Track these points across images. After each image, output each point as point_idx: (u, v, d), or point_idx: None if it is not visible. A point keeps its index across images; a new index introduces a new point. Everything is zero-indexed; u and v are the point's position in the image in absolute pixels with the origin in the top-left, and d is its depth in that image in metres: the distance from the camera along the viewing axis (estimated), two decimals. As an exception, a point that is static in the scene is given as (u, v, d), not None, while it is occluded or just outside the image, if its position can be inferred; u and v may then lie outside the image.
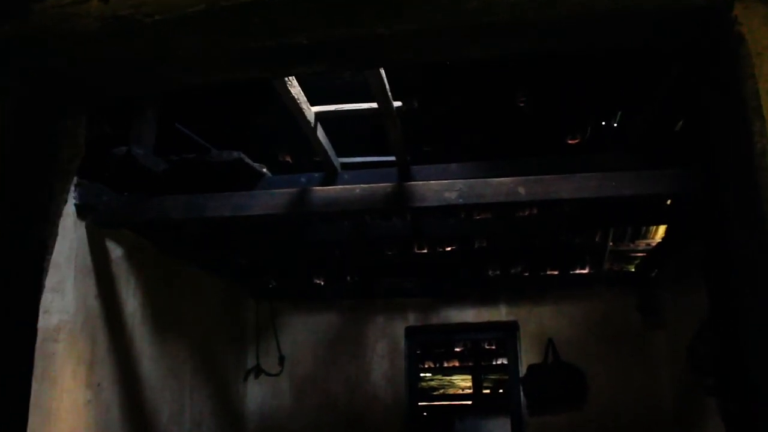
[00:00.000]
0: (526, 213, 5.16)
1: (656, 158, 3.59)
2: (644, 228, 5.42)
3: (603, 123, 4.64)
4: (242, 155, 3.68)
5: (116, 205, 3.58)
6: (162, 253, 4.32)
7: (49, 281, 3.14)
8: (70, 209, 3.33)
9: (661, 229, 5.34)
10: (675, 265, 5.27)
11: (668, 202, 4.64)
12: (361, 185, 3.55)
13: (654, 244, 5.45)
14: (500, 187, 3.40)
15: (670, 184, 3.29)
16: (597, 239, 5.59)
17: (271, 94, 3.20)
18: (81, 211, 3.42)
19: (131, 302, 3.91)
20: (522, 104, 4.63)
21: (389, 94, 2.98)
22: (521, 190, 3.38)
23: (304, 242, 5.02)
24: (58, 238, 3.20)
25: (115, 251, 3.78)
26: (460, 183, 3.45)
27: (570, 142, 4.81)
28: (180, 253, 4.54)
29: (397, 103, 3.15)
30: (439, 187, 3.46)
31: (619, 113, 4.52)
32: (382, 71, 2.78)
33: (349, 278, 6.23)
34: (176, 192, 3.63)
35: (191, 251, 4.63)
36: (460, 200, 3.42)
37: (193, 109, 4.18)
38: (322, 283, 6.26)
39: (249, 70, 1.64)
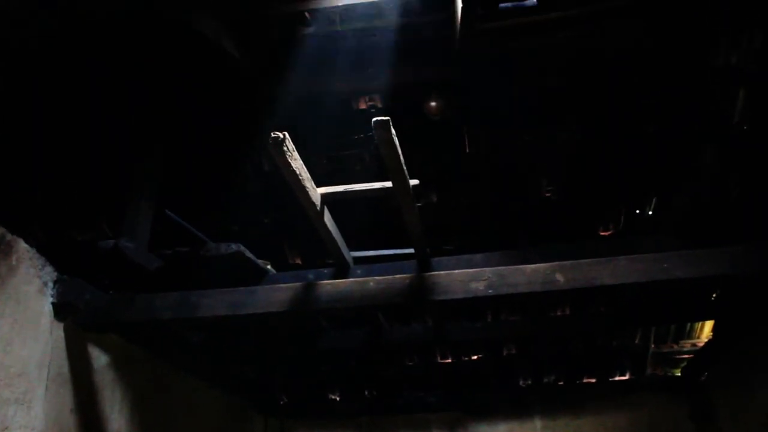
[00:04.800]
0: (558, 313, 4.80)
1: (704, 240, 3.15)
2: (689, 325, 5.13)
3: (637, 211, 4.40)
4: (242, 248, 3.35)
5: (101, 305, 3.22)
6: (153, 360, 3.94)
7: (12, 392, 2.73)
8: (45, 308, 2.97)
9: (708, 326, 5.04)
10: (727, 365, 4.86)
11: (713, 295, 4.26)
12: (376, 278, 3.17)
13: (701, 344, 5.12)
14: (535, 274, 2.99)
15: (731, 264, 2.84)
16: (637, 341, 5.32)
17: (277, 188, 2.91)
18: (59, 311, 3.06)
19: (116, 418, 3.48)
20: (548, 194, 4.41)
21: (404, 168, 2.65)
22: (559, 276, 2.96)
23: (316, 351, 4.62)
24: (29, 341, 2.89)
25: (99, 358, 3.38)
26: (488, 272, 3.06)
27: (602, 233, 4.54)
28: (175, 360, 4.16)
29: (413, 181, 2.84)
30: (464, 277, 3.07)
31: (654, 200, 4.28)
32: (396, 140, 2.45)
33: (366, 392, 5.89)
34: (169, 290, 3.25)
35: (188, 359, 4.23)
36: (490, 291, 3.01)
37: (193, 202, 3.94)
38: (337, 398, 5.91)
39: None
